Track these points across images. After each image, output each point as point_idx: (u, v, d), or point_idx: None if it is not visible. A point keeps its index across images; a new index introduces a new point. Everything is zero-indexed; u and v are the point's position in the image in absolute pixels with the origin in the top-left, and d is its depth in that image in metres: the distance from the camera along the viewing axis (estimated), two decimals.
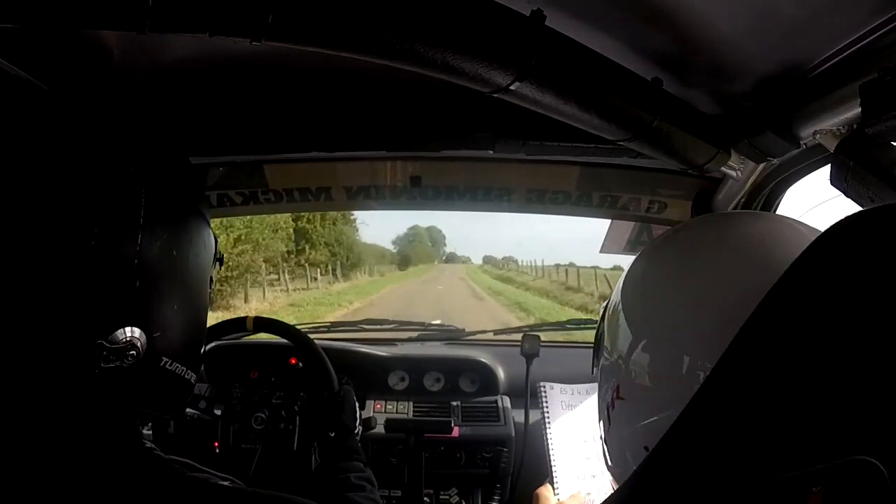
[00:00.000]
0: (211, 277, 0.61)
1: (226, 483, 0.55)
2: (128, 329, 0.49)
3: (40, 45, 0.69)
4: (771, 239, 0.50)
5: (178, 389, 0.56)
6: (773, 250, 0.47)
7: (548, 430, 0.97)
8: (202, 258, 0.58)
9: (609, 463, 0.56)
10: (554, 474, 0.93)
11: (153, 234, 0.51)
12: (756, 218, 0.65)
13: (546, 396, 1.01)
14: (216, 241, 0.62)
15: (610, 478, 0.59)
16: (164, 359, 0.53)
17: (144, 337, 0.50)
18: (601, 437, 0.58)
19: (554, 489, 0.91)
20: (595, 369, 0.60)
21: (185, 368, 0.55)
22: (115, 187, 0.50)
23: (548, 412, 0.99)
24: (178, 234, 0.54)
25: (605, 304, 0.60)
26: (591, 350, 0.62)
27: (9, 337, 0.46)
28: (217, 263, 0.63)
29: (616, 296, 0.57)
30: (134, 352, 0.49)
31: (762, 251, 0.48)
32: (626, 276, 0.57)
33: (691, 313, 0.48)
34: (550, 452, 0.95)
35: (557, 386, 1.03)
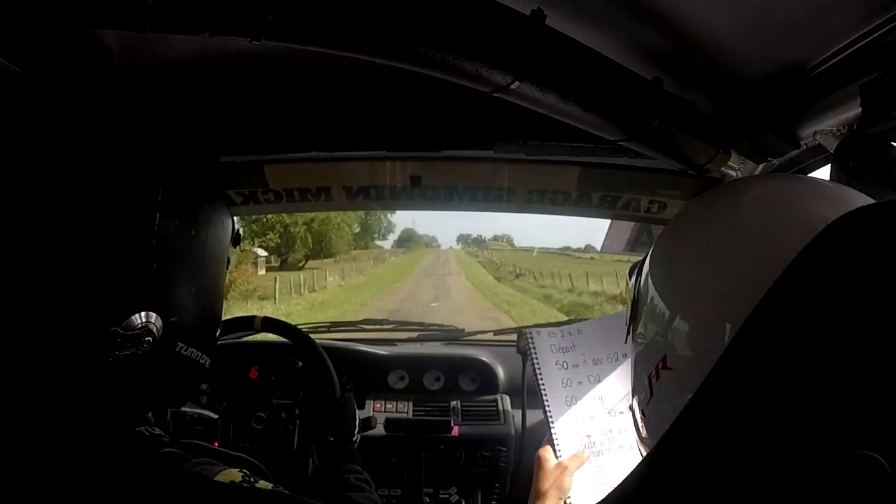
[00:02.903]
0: (228, 259, 0.59)
1: (234, 477, 0.54)
2: (143, 314, 0.47)
3: (40, 45, 0.69)
4: (796, 201, 0.49)
5: (192, 374, 0.54)
6: (800, 216, 0.46)
7: (541, 384, 0.89)
8: (220, 239, 0.56)
9: (644, 434, 0.55)
10: (553, 432, 0.86)
11: (171, 215, 0.49)
12: (780, 180, 0.65)
13: (533, 345, 0.92)
14: (234, 223, 0.61)
15: (640, 447, 0.57)
16: (180, 344, 0.51)
17: (160, 321, 0.48)
18: (636, 408, 0.56)
19: (555, 449, 0.85)
20: (628, 337, 0.58)
21: (199, 353, 0.54)
22: (133, 167, 0.48)
23: (538, 363, 0.90)
24: (196, 214, 0.53)
25: (640, 265, 0.58)
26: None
27: (20, 325, 0.44)
28: (234, 245, 0.61)
29: (660, 265, 0.55)
30: (150, 338, 0.47)
31: (794, 217, 0.47)
32: (665, 240, 0.56)
33: (735, 280, 0.46)
34: (547, 407, 0.87)
35: (544, 330, 0.94)
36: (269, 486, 0.54)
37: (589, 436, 0.87)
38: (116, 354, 0.46)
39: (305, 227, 28.72)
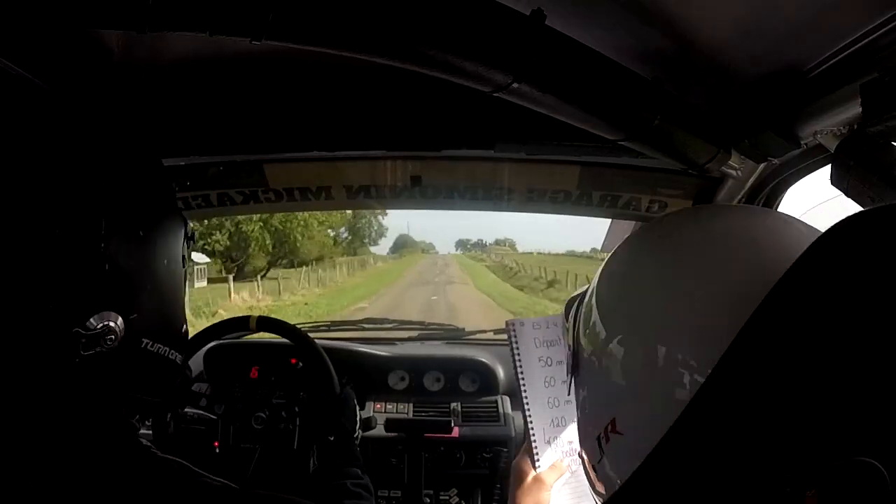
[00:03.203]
0: (184, 255, 0.60)
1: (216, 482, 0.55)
2: (103, 314, 0.49)
3: (40, 44, 0.69)
4: (766, 236, 0.47)
5: (163, 370, 0.56)
6: (767, 248, 0.45)
7: (522, 382, 0.80)
8: (171, 235, 0.57)
9: (597, 487, 0.51)
10: (533, 439, 0.79)
11: (117, 217, 0.50)
12: (748, 213, 0.61)
13: (515, 336, 0.81)
14: (185, 220, 0.62)
15: (593, 494, 0.53)
16: (145, 340, 0.53)
17: (120, 320, 0.50)
18: (586, 462, 0.51)
19: (532, 458, 0.78)
20: (570, 389, 0.53)
21: (167, 349, 0.55)
22: (77, 174, 0.49)
23: (519, 358, 0.81)
24: (144, 213, 0.54)
25: (576, 301, 0.54)
26: None
27: None
28: (189, 242, 0.63)
29: (602, 297, 0.49)
30: (112, 336, 0.49)
31: (755, 249, 0.45)
32: (612, 277, 0.51)
33: (699, 316, 0.42)
34: (527, 410, 0.79)
35: (528, 321, 0.83)
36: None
37: (570, 441, 0.80)
38: (82, 354, 0.48)
39: (261, 225, 22.62)
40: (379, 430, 1.23)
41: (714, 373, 0.37)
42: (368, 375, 1.41)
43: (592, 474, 0.51)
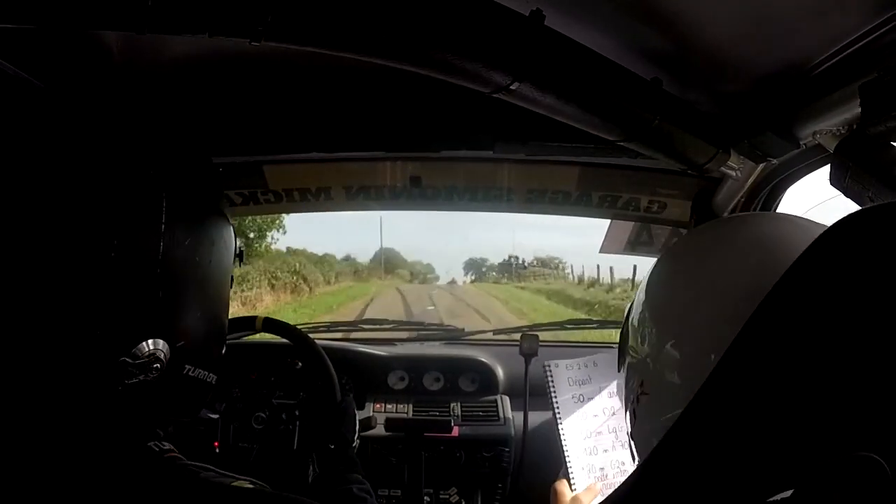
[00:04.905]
0: (231, 276, 0.59)
1: (247, 485, 0.53)
2: (151, 342, 0.47)
3: (39, 44, 0.69)
4: (777, 238, 0.52)
5: (199, 393, 0.55)
6: (776, 248, 0.49)
7: (558, 416, 0.90)
8: (224, 259, 0.56)
9: (637, 458, 0.57)
10: (568, 464, 0.88)
11: (174, 240, 0.48)
12: (765, 218, 0.68)
13: (552, 376, 0.93)
14: (236, 237, 0.60)
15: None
16: (188, 367, 0.51)
17: (167, 347, 0.48)
18: (628, 433, 0.58)
19: (570, 481, 0.87)
20: (621, 367, 0.61)
21: (206, 372, 0.54)
22: (134, 193, 0.47)
23: (555, 395, 0.91)
24: (200, 237, 0.52)
25: (629, 304, 0.61)
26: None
27: (29, 358, 0.43)
28: (238, 260, 0.61)
29: (640, 294, 0.58)
30: (158, 364, 0.47)
31: (766, 250, 0.50)
32: (648, 277, 0.59)
33: (704, 310, 0.49)
34: (563, 440, 0.89)
35: (562, 363, 0.95)
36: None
37: (602, 468, 0.88)
38: (126, 383, 0.46)
39: None
40: (379, 430, 1.22)
41: (717, 368, 0.37)
42: (368, 375, 1.41)
43: (633, 446, 0.57)
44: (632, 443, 0.57)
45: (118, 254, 0.45)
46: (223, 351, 0.59)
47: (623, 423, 0.90)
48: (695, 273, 0.54)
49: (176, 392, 0.52)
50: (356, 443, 1.01)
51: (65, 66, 0.73)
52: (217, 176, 0.59)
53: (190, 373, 0.51)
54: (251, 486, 0.52)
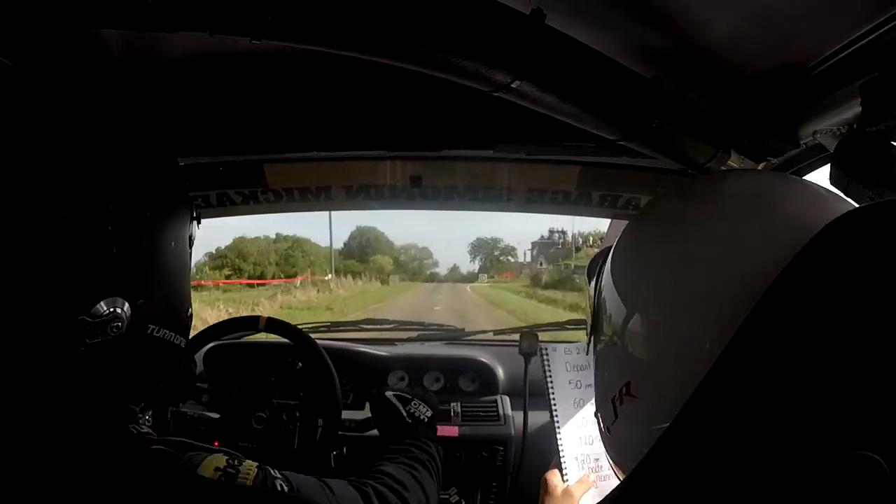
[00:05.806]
0: (191, 236, 0.59)
1: (222, 457, 0.54)
2: (109, 300, 0.47)
3: (39, 42, 0.69)
4: (783, 202, 0.45)
5: (168, 355, 0.55)
6: (786, 216, 0.43)
7: (553, 402, 0.86)
8: (179, 217, 0.56)
9: (614, 455, 0.52)
10: (561, 454, 0.84)
11: (124, 199, 0.49)
12: (763, 177, 0.59)
13: (548, 360, 0.89)
14: (192, 200, 0.60)
15: (610, 462, 0.55)
16: (151, 326, 0.51)
17: (127, 306, 0.48)
18: (602, 426, 0.53)
19: (562, 472, 0.83)
20: (589, 348, 0.54)
21: (172, 333, 0.54)
22: (81, 155, 0.48)
23: (551, 379, 0.88)
24: (151, 195, 0.52)
25: (598, 262, 0.54)
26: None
27: None
28: (196, 222, 0.61)
29: (619, 265, 0.50)
30: (119, 323, 0.48)
31: (771, 217, 0.44)
32: (628, 251, 0.51)
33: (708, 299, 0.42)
34: (557, 427, 0.85)
35: (560, 346, 0.91)
36: (255, 465, 0.55)
37: (597, 459, 0.85)
38: (87, 342, 0.46)
39: None
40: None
41: (715, 366, 0.37)
42: (368, 375, 1.41)
43: (607, 437, 0.52)
44: (606, 436, 0.52)
45: (68, 213, 0.45)
46: (189, 313, 0.59)
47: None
48: (698, 252, 0.44)
49: (143, 353, 0.52)
50: (426, 417, 0.94)
51: (64, 65, 0.73)
52: (168, 142, 0.60)
53: (154, 332, 0.52)
54: (224, 462, 0.53)
